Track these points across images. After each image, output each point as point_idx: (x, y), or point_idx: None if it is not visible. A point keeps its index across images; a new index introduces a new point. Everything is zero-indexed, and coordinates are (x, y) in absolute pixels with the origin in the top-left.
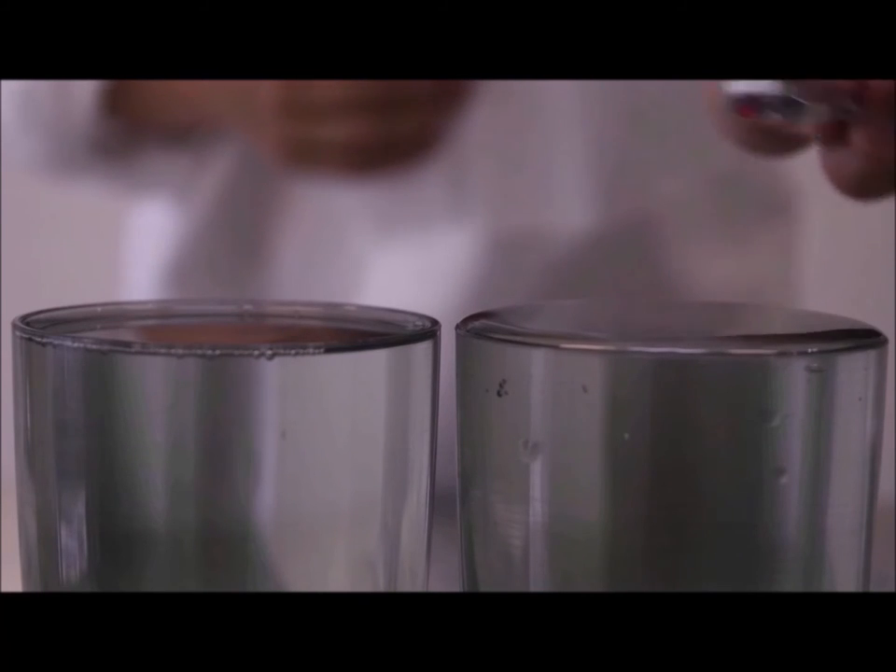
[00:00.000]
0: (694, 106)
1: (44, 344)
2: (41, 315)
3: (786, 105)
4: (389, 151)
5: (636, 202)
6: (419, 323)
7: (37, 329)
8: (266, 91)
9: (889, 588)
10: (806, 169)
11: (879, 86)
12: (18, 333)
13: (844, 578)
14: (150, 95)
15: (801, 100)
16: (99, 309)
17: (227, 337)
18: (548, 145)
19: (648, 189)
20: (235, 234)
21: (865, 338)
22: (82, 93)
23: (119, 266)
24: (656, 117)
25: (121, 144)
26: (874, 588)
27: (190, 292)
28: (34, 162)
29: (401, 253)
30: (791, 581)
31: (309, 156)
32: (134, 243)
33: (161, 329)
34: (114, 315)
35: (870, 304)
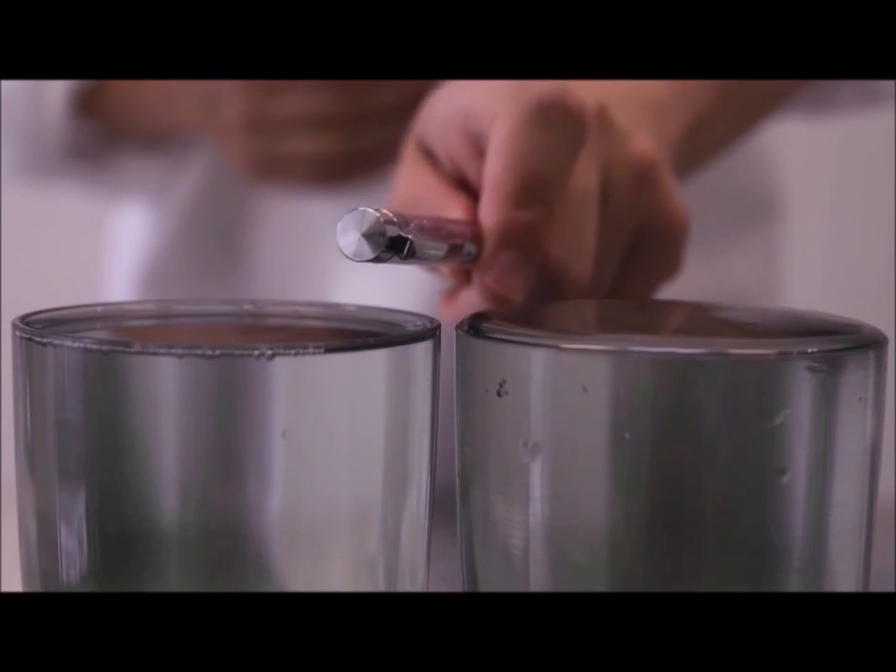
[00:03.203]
0: None
1: (44, 344)
2: (41, 315)
3: (393, 245)
4: (354, 164)
5: None
6: (419, 323)
7: (37, 329)
8: (230, 104)
9: (889, 588)
10: (805, 171)
11: (492, 224)
12: (18, 333)
13: (844, 578)
14: (120, 105)
15: (407, 235)
16: (99, 309)
17: (227, 337)
18: None
19: None
20: (211, 237)
21: (865, 338)
22: (54, 99)
23: (98, 270)
24: None
25: (96, 148)
26: (874, 588)
27: (168, 295)
28: (9, 169)
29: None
30: (791, 581)
31: (274, 169)
32: (113, 246)
33: (160, 329)
34: (114, 315)
35: (870, 304)
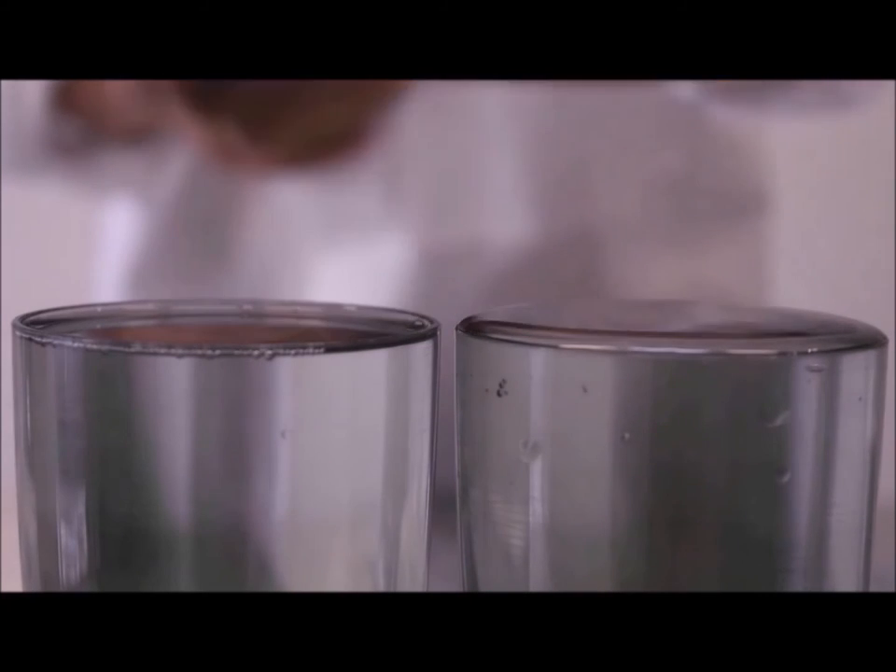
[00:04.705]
0: (638, 111)
1: (44, 344)
2: (41, 315)
3: None
4: (317, 147)
5: (577, 209)
6: (419, 323)
7: (37, 329)
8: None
9: (889, 588)
10: (804, 167)
11: None
12: (18, 333)
13: (844, 578)
14: (93, 97)
15: None
16: (99, 309)
17: (227, 337)
18: (485, 153)
19: (590, 195)
20: (196, 233)
21: (865, 338)
22: (31, 93)
23: (85, 267)
24: (598, 121)
25: (78, 144)
26: (874, 588)
27: (154, 292)
28: None
29: (341, 263)
30: (791, 581)
31: (237, 154)
32: (100, 244)
33: (160, 328)
34: (114, 315)
35: (870, 304)
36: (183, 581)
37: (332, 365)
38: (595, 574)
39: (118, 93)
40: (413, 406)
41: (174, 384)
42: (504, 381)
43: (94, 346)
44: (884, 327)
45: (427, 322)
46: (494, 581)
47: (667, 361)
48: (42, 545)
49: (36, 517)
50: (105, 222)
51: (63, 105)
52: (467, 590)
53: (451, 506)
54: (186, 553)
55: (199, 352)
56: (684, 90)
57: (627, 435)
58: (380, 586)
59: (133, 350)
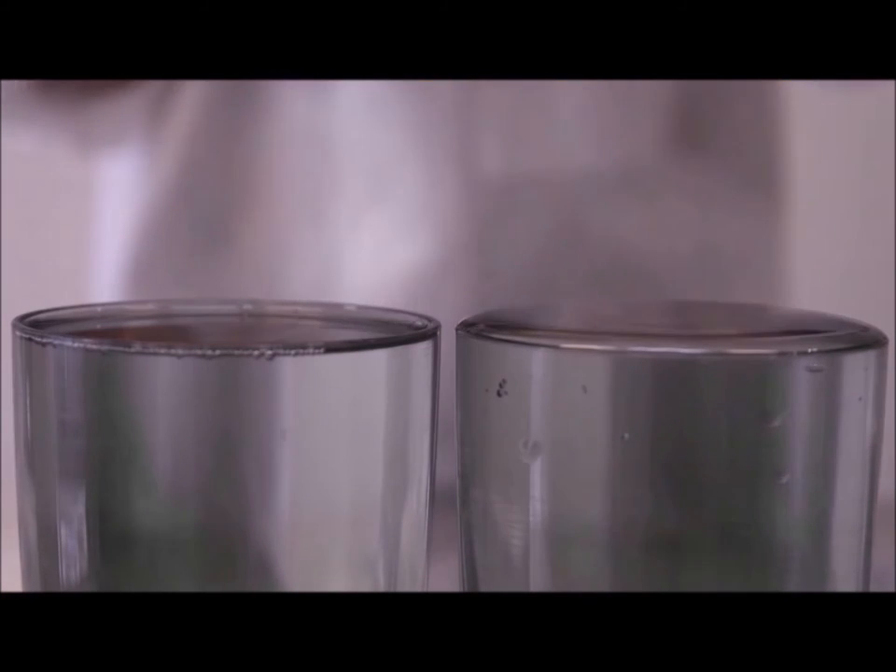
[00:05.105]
0: None
1: (44, 344)
2: (41, 315)
3: None
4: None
5: (628, 147)
6: (419, 323)
7: (37, 329)
8: None
9: (889, 588)
10: (804, 163)
11: None
12: (18, 333)
13: (844, 578)
14: None
15: None
16: (99, 309)
17: (227, 337)
18: (549, 92)
19: (641, 133)
20: (200, 217)
21: (865, 338)
22: None
23: (86, 250)
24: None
25: (67, 93)
26: (874, 588)
27: (156, 277)
28: None
29: (402, 196)
30: (790, 581)
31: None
32: (100, 229)
33: (160, 328)
34: (114, 315)
35: (870, 304)
36: (183, 580)
37: (332, 365)
38: (595, 574)
39: None
40: (413, 406)
41: (174, 384)
42: (504, 381)
43: (94, 346)
44: (884, 327)
45: (426, 322)
46: (494, 581)
47: (667, 361)
48: (42, 545)
49: (36, 517)
50: (105, 181)
51: None
52: (467, 590)
53: (451, 506)
54: (186, 553)
55: (199, 352)
56: None
57: (627, 435)
58: (380, 586)
59: (133, 350)
